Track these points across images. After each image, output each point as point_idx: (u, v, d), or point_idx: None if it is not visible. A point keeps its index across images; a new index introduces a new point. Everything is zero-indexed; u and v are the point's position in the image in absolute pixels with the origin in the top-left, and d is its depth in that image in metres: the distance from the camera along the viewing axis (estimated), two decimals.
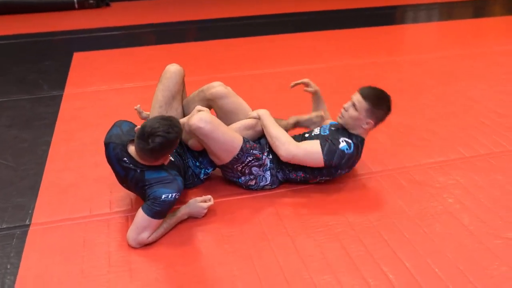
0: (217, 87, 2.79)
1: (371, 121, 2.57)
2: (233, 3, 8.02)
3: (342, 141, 2.55)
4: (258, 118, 2.70)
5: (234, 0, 8.18)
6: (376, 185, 2.77)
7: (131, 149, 2.30)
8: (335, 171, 2.62)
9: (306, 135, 2.73)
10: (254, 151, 2.60)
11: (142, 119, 2.94)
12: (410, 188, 2.73)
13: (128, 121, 2.54)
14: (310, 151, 2.54)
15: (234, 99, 2.82)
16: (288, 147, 2.53)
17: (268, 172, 2.66)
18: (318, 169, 2.61)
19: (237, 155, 2.54)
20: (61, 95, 4.22)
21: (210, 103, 2.80)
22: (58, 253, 2.29)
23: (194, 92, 2.87)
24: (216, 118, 2.56)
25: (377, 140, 3.26)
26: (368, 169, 2.93)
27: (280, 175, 2.69)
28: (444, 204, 2.58)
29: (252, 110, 2.80)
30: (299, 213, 2.53)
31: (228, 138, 2.52)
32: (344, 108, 2.60)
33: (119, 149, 2.32)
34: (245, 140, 2.60)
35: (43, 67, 5.00)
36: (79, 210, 2.60)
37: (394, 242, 2.30)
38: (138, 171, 2.29)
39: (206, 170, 2.74)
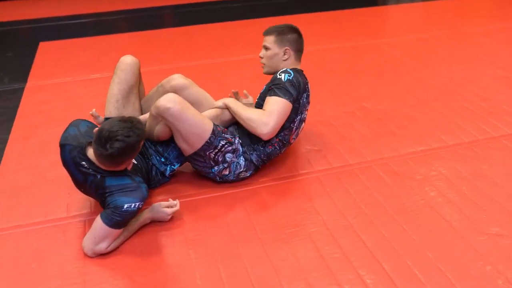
0: (177, 79, 2.62)
1: (287, 48, 2.53)
2: None
3: (280, 75, 2.45)
4: (224, 107, 2.51)
5: None
6: (353, 178, 2.60)
7: (90, 152, 2.08)
8: (297, 104, 2.49)
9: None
10: (225, 135, 2.44)
11: (99, 124, 2.71)
12: (389, 181, 2.57)
13: (87, 121, 2.32)
14: (278, 106, 2.39)
15: (196, 89, 2.65)
16: (263, 121, 2.36)
17: (242, 157, 2.49)
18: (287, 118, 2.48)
19: (209, 138, 2.36)
20: (23, 88, 3.97)
21: None
22: (5, 266, 2.09)
23: (153, 89, 2.70)
24: (183, 99, 2.37)
25: (354, 128, 3.09)
26: (345, 161, 2.76)
27: (254, 157, 2.52)
28: (425, 198, 2.42)
29: (216, 100, 2.62)
30: (269, 212, 2.36)
31: (199, 120, 2.36)
32: (260, 58, 2.61)
33: (77, 152, 2.10)
34: (215, 124, 2.43)
35: (4, 59, 4.72)
36: (32, 215, 2.40)
37: (372, 242, 2.14)
38: (98, 176, 2.08)
39: (172, 167, 2.55)
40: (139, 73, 2.68)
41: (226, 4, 6.51)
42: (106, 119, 2.60)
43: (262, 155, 2.54)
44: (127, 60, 2.61)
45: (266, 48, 2.57)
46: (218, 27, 5.45)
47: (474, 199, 2.39)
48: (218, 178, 2.53)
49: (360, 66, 4.18)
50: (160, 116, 2.31)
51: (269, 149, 2.53)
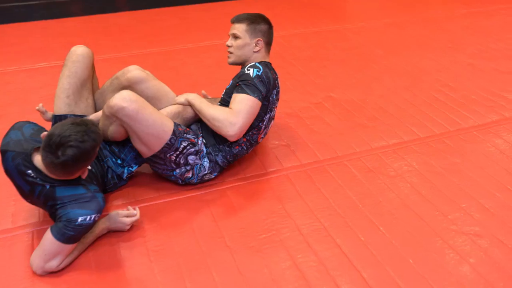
0: (133, 71, 2.38)
1: (260, 39, 2.34)
2: None
3: (248, 70, 2.25)
4: (187, 104, 2.31)
5: None
6: (324, 176, 2.46)
7: (37, 159, 1.84)
8: (267, 101, 2.30)
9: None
10: (188, 135, 2.23)
11: (47, 120, 2.46)
12: (362, 178, 2.44)
13: (32, 123, 2.05)
14: (246, 105, 2.18)
15: (154, 82, 2.42)
16: (230, 121, 2.14)
17: (206, 159, 2.30)
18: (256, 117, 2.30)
19: (170, 140, 2.15)
20: None
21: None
22: None
23: (107, 82, 2.46)
24: (140, 97, 2.14)
25: (323, 121, 2.95)
26: (315, 157, 2.61)
27: (220, 158, 2.34)
28: (400, 195, 2.31)
29: (177, 94, 2.42)
30: (238, 217, 2.19)
31: (158, 119, 2.13)
32: (228, 46, 2.38)
33: (21, 160, 1.85)
34: (176, 124, 2.22)
35: None
36: None
37: (348, 247, 2.01)
38: (47, 187, 1.84)
39: (130, 169, 2.33)
40: (93, 65, 2.43)
41: None
42: (55, 116, 2.36)
43: (228, 156, 2.36)
44: (79, 51, 2.36)
45: (236, 37, 2.35)
46: (174, 11, 5.18)
47: (449, 196, 2.30)
48: (180, 181, 2.33)
49: (324, 53, 4.03)
50: (114, 116, 2.08)
51: (236, 149, 2.35)
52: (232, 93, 2.28)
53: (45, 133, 1.79)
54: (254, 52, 2.36)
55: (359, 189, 2.36)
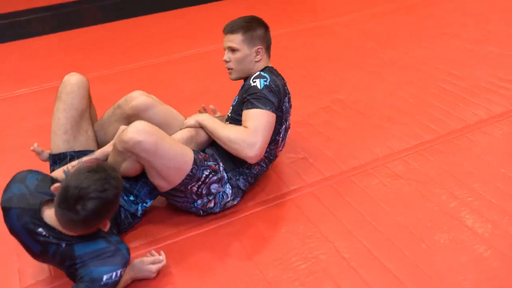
0: (138, 98, 2.16)
1: (260, 47, 2.11)
2: None
3: (254, 82, 2.03)
4: (198, 126, 2.10)
5: None
6: (351, 188, 2.29)
7: (48, 214, 1.60)
8: (280, 112, 2.09)
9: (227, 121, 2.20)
10: (208, 163, 2.03)
11: (44, 161, 2.21)
12: (392, 186, 2.28)
13: (34, 171, 1.79)
14: (262, 120, 1.96)
15: (161, 107, 2.20)
16: (249, 142, 1.93)
17: (228, 185, 2.10)
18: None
19: (191, 170, 1.95)
20: None
21: (133, 120, 2.16)
22: None
23: (108, 111, 2.23)
24: (156, 127, 1.92)
25: (336, 126, 2.78)
26: (337, 168, 2.43)
27: (241, 182, 2.14)
28: (439, 204, 2.16)
29: (185, 118, 2.21)
30: (270, 246, 1.99)
31: (178, 150, 1.93)
32: (225, 62, 2.14)
33: (29, 217, 1.61)
34: (195, 151, 2.02)
35: None
36: None
37: (400, 271, 1.83)
38: (63, 245, 1.61)
39: (144, 204, 2.11)
40: (89, 95, 2.20)
41: None
42: (53, 155, 2.12)
43: (249, 178, 2.16)
44: (73, 80, 2.12)
45: (233, 50, 2.11)
46: (148, 20, 4.92)
47: (497, 202, 2.14)
48: (201, 212, 2.13)
49: (316, 51, 3.86)
50: (129, 151, 1.86)
51: (256, 169, 2.16)
52: (241, 109, 2.08)
53: (57, 185, 1.55)
54: (256, 62, 2.14)
55: (392, 199, 2.20)
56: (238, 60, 2.12)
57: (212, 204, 2.10)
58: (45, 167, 2.11)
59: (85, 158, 2.03)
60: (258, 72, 2.08)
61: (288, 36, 4.18)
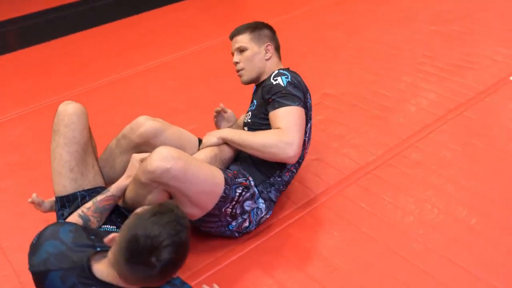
0: (146, 124, 1.96)
1: (268, 44, 2.05)
2: None
3: (275, 80, 1.91)
4: (221, 143, 1.95)
5: None
6: (377, 183, 2.22)
7: (99, 269, 1.38)
8: (306, 108, 1.95)
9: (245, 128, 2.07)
10: (238, 179, 1.88)
11: (46, 211, 1.97)
12: (417, 175, 2.24)
13: (64, 223, 1.55)
14: (294, 117, 1.84)
15: (172, 130, 2.02)
16: (286, 142, 1.79)
17: (260, 200, 1.95)
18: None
19: (224, 192, 1.79)
20: None
21: (142, 148, 1.97)
22: None
23: (111, 144, 2.02)
24: (180, 150, 1.73)
25: (337, 122, 2.70)
26: (355, 165, 2.36)
27: (273, 194, 2.00)
28: (465, 186, 2.14)
29: (196, 136, 2.06)
30: (317, 255, 1.87)
31: (207, 172, 1.76)
32: (236, 64, 2.06)
33: (76, 277, 1.38)
34: (223, 170, 1.86)
35: None
36: None
37: (471, 265, 1.79)
38: None
39: None
40: (88, 125, 1.97)
41: (93, 3, 5.58)
42: (61, 198, 1.87)
43: (281, 187, 2.03)
44: (70, 110, 1.88)
45: (242, 50, 2.03)
46: (99, 32, 4.60)
47: None
48: (237, 234, 1.97)
49: (286, 47, 3.70)
50: (156, 182, 1.67)
51: (287, 176, 2.03)
52: (262, 113, 1.95)
53: (113, 236, 1.34)
54: (266, 60, 2.04)
55: (422, 188, 2.16)
56: (248, 59, 2.02)
57: (247, 223, 1.95)
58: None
59: (99, 198, 1.80)
60: (277, 71, 1.96)
61: None
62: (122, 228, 1.33)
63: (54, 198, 1.95)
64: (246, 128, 2.05)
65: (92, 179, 1.93)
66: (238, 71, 2.06)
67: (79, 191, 1.88)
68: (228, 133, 1.94)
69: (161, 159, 1.63)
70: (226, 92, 3.11)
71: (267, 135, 1.85)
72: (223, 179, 1.80)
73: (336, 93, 3.01)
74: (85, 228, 1.58)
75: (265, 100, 1.94)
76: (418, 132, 2.55)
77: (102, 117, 2.89)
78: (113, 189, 1.82)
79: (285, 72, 1.95)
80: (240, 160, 2.00)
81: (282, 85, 1.89)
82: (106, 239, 1.34)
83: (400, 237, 1.92)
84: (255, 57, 2.02)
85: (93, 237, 1.54)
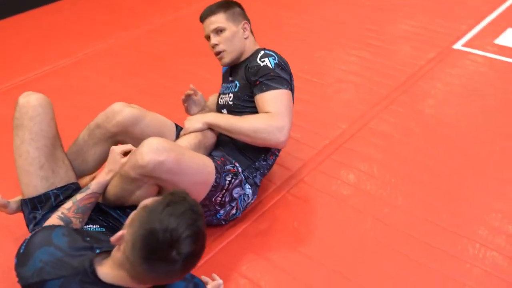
0: (123, 111, 1.83)
1: (245, 22, 1.98)
2: None
3: (263, 61, 1.85)
4: (206, 128, 1.86)
5: None
6: (351, 154, 2.26)
7: (104, 272, 1.27)
8: (290, 83, 1.91)
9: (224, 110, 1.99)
10: (227, 167, 1.81)
11: (13, 213, 1.80)
12: (388, 143, 2.30)
13: (56, 226, 1.41)
14: (283, 101, 1.80)
15: (151, 116, 1.91)
16: (277, 127, 1.74)
17: (247, 185, 1.90)
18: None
19: (215, 180, 1.73)
20: None
21: (120, 138, 1.85)
22: None
23: (82, 134, 1.88)
24: (170, 141, 1.65)
25: (302, 100, 2.68)
26: (325, 139, 2.38)
27: (258, 178, 1.95)
28: (438, 144, 2.24)
29: (170, 121, 1.98)
30: (307, 232, 1.87)
31: (199, 161, 1.69)
32: (215, 47, 1.94)
33: (79, 284, 1.26)
34: (212, 157, 1.80)
35: None
36: None
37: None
38: None
39: None
40: (54, 115, 1.80)
41: None
42: (32, 199, 1.71)
43: (266, 170, 1.98)
44: (33, 101, 1.70)
45: (219, 30, 1.92)
46: (21, 21, 4.23)
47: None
48: (223, 222, 1.91)
49: None
50: (147, 176, 1.56)
51: (271, 159, 1.99)
52: (247, 95, 1.89)
53: (121, 233, 1.22)
54: (245, 38, 1.97)
55: (398, 150, 2.26)
56: (228, 39, 1.92)
57: (234, 211, 1.89)
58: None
59: (79, 196, 1.64)
60: (263, 51, 1.90)
61: (161, 31, 3.87)
62: (131, 224, 1.23)
63: (18, 198, 1.78)
64: (225, 111, 1.97)
65: (64, 175, 1.77)
66: (218, 53, 1.94)
67: (51, 190, 1.72)
68: (214, 117, 1.86)
69: (152, 151, 1.52)
70: (177, 76, 3.01)
71: (256, 119, 1.79)
72: (213, 168, 1.73)
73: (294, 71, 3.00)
74: (76, 229, 1.45)
75: (250, 82, 1.87)
76: (378, 102, 2.62)
77: None
78: (94, 186, 1.67)
79: (271, 53, 1.90)
80: (222, 145, 1.92)
81: (270, 67, 1.84)
82: (113, 238, 1.23)
83: (382, 207, 1.96)
84: (235, 37, 1.93)
85: (88, 238, 1.41)
